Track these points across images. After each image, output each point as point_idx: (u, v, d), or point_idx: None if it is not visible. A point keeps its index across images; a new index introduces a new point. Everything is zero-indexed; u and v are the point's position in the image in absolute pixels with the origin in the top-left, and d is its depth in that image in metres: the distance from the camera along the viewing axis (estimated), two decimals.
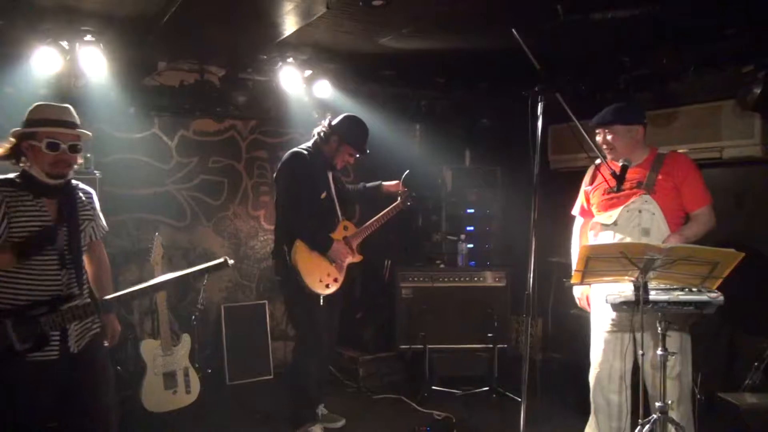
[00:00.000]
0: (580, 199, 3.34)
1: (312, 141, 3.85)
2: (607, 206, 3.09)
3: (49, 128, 2.41)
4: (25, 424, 2.37)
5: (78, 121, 2.53)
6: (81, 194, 2.60)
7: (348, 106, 4.82)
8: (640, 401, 2.71)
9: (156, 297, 4.05)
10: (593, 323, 3.22)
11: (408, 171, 4.14)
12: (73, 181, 2.58)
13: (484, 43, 4.10)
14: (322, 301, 3.70)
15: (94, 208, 2.66)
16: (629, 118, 3.05)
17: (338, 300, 3.90)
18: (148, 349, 3.98)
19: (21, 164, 2.45)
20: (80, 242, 2.53)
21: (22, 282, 2.38)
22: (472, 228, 5.18)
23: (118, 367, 4.33)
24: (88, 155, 3.90)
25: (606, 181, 3.03)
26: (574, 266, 3.20)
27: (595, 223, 3.18)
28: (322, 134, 3.80)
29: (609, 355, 3.12)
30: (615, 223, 3.03)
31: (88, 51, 3.90)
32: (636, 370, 2.92)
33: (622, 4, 3.29)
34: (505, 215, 5.29)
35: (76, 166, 2.53)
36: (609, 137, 3.07)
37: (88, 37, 3.88)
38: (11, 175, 2.45)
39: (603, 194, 3.12)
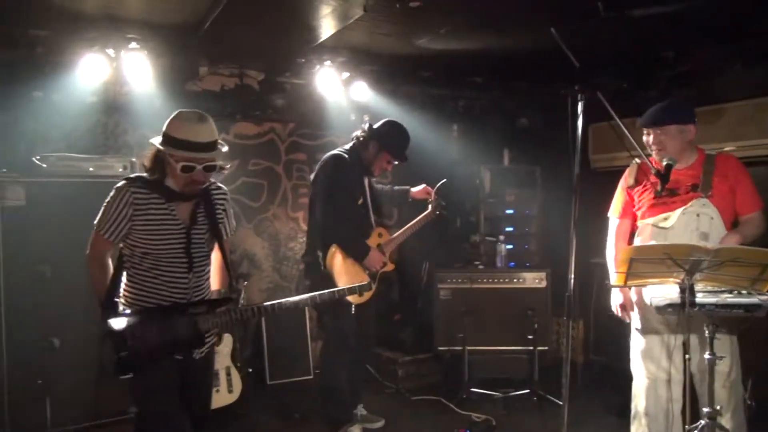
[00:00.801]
0: (619, 200, 3.21)
1: (351, 144, 3.80)
2: (660, 209, 2.96)
3: (185, 153, 2.36)
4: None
5: (216, 134, 2.47)
6: (216, 196, 2.59)
7: (385, 107, 4.84)
8: (687, 408, 2.64)
9: None
10: (637, 326, 3.13)
11: (444, 180, 4.08)
12: (212, 186, 2.59)
13: (522, 42, 4.06)
14: (353, 309, 3.66)
15: (226, 209, 2.65)
16: (683, 117, 2.93)
17: (371, 305, 3.86)
18: None
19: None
20: (207, 247, 2.54)
21: (151, 285, 2.42)
22: (511, 228, 5.13)
23: None
24: (133, 159, 4.00)
25: (650, 181, 2.95)
26: (611, 269, 3.15)
27: (644, 225, 3.04)
28: (361, 139, 3.76)
29: (659, 360, 3.03)
30: (672, 227, 2.91)
31: (133, 58, 4.01)
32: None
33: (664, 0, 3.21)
34: (545, 215, 5.22)
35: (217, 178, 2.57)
36: (661, 138, 2.93)
37: (133, 45, 3.99)
38: (146, 174, 2.45)
39: (653, 197, 2.99)
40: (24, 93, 4.09)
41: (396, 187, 4.20)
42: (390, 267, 3.93)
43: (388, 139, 3.75)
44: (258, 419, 4.20)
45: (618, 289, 3.12)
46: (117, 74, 4.13)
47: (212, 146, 2.42)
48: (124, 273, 2.47)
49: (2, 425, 3.48)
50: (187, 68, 4.51)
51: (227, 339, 4.22)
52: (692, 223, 2.87)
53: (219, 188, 2.64)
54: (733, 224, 2.94)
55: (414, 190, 4.12)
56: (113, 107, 4.49)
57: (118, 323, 2.30)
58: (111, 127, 4.60)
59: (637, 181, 3.11)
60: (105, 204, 2.42)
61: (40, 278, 3.59)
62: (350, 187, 3.70)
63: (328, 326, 3.80)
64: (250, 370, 4.71)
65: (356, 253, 3.67)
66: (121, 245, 2.47)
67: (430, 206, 4.02)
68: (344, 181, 3.66)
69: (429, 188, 4.08)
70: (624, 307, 3.13)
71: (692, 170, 2.96)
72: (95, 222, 2.44)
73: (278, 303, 2.55)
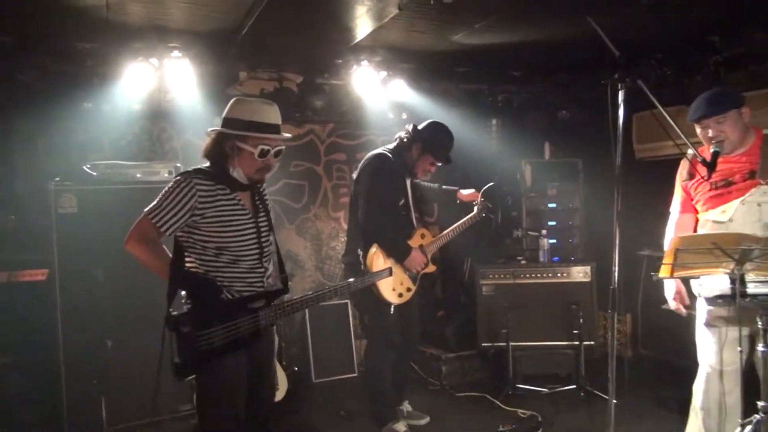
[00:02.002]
0: (676, 195, 3.09)
1: (394, 145, 3.77)
2: (717, 201, 2.83)
3: (265, 134, 2.36)
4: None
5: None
6: (261, 188, 2.59)
7: (423, 105, 4.84)
8: (741, 401, 2.56)
9: None
10: (699, 318, 3.02)
11: (491, 184, 4.04)
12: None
13: (560, 34, 4.00)
14: (392, 309, 3.66)
15: (270, 201, 2.66)
16: (737, 100, 2.80)
17: (414, 304, 3.85)
18: None
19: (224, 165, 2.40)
20: (270, 235, 2.53)
21: (232, 278, 2.38)
22: (554, 223, 5.06)
23: None
24: (179, 164, 4.11)
25: (699, 173, 2.83)
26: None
27: (704, 221, 2.90)
28: (404, 140, 3.72)
29: (714, 353, 2.91)
30: (731, 220, 2.76)
31: (175, 66, 4.13)
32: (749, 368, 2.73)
33: None
34: (589, 208, 5.13)
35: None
36: (722, 127, 2.78)
37: (175, 53, 4.11)
38: (204, 166, 2.41)
39: (709, 189, 2.86)
40: (75, 104, 4.26)
41: (444, 187, 4.17)
42: (431, 268, 3.90)
43: (432, 141, 3.70)
44: (304, 417, 4.27)
45: (672, 280, 3.02)
46: (161, 82, 4.26)
47: (280, 129, 2.44)
48: (194, 263, 2.38)
49: (60, 425, 3.63)
50: (227, 74, 4.61)
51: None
52: (753, 213, 2.71)
53: (264, 195, 2.65)
54: None
55: (463, 192, 4.09)
56: (158, 114, 4.64)
57: (182, 323, 2.24)
58: (156, 133, 4.74)
59: (691, 175, 2.98)
60: (162, 193, 2.32)
61: (93, 282, 3.74)
62: (392, 187, 3.68)
63: (369, 327, 3.82)
64: (296, 368, 4.78)
65: (397, 253, 3.66)
66: (181, 238, 2.36)
67: (476, 208, 3.99)
68: (386, 182, 3.63)
69: (477, 193, 4.04)
70: (676, 299, 3.03)
71: (748, 155, 2.80)
72: (147, 209, 2.33)
73: (321, 293, 2.58)
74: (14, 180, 4.15)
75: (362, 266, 3.60)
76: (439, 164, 3.79)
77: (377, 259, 3.60)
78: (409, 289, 3.75)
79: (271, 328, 2.58)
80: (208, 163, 2.44)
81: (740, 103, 2.80)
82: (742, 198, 2.75)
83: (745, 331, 2.70)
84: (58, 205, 3.70)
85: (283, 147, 2.46)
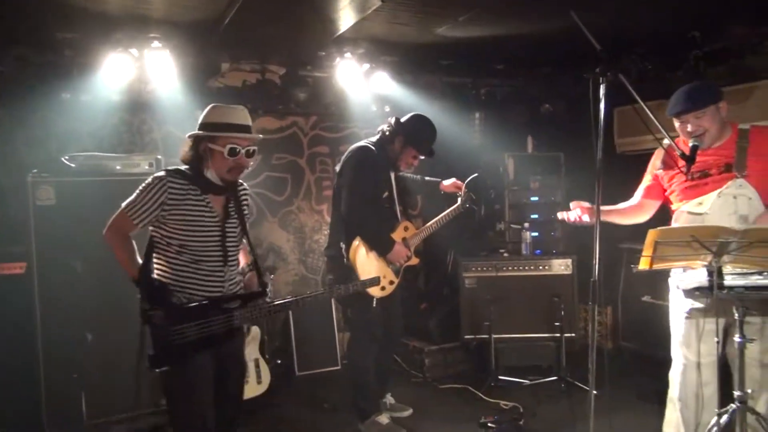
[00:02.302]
0: (645, 180, 3.13)
1: (377, 137, 3.76)
2: (693, 193, 2.87)
3: (232, 134, 2.45)
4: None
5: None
6: (241, 191, 2.66)
7: (406, 98, 4.83)
8: (718, 391, 2.60)
9: None
10: (672, 311, 3.07)
11: (475, 175, 4.04)
12: (241, 184, 2.66)
13: (543, 27, 4.02)
14: (375, 302, 3.66)
15: (248, 205, 2.71)
16: (716, 95, 2.83)
17: (397, 296, 3.86)
18: None
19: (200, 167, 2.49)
20: (238, 240, 2.59)
21: (189, 278, 2.45)
22: (536, 216, 5.09)
23: None
24: (159, 157, 4.07)
25: (677, 165, 2.88)
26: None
27: (680, 212, 2.93)
28: (387, 133, 3.71)
29: (691, 344, 2.97)
30: (707, 212, 2.80)
31: (156, 57, 4.08)
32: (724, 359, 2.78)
33: None
34: (570, 202, 5.15)
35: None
36: (701, 122, 2.81)
37: (156, 44, 4.06)
38: (183, 167, 2.50)
39: (685, 180, 2.90)
40: (53, 95, 4.19)
41: (427, 178, 4.17)
42: (414, 261, 3.90)
43: (414, 134, 3.69)
44: (287, 410, 4.26)
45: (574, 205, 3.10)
46: (141, 73, 4.21)
47: (250, 129, 2.53)
48: (158, 259, 2.48)
49: (40, 419, 3.59)
50: (209, 65, 4.56)
51: (255, 331, 4.29)
52: (729, 206, 2.76)
53: (242, 184, 2.68)
54: None
55: (445, 183, 4.09)
56: (138, 106, 4.58)
57: (156, 317, 2.32)
58: (137, 125, 4.69)
59: (665, 164, 3.02)
60: (139, 189, 2.44)
61: (72, 274, 3.69)
62: (376, 180, 3.67)
63: (352, 320, 3.82)
64: (279, 361, 4.78)
65: (380, 247, 3.66)
66: (152, 232, 2.48)
67: (459, 200, 3.99)
68: (370, 174, 3.62)
69: (459, 182, 4.03)
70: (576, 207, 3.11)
71: (724, 149, 2.85)
72: (124, 203, 2.45)
73: (302, 297, 2.60)
74: None
75: (345, 259, 3.60)
76: (422, 157, 3.78)
77: (360, 252, 3.60)
78: (391, 282, 3.75)
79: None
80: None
81: (719, 97, 2.83)
82: (719, 190, 2.78)
83: (722, 323, 2.75)
84: (36, 197, 3.65)
85: (255, 147, 2.54)
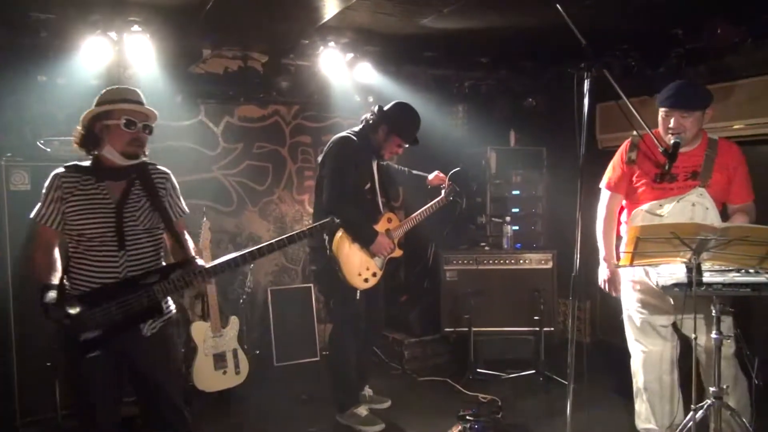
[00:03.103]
0: (614, 173, 3.14)
1: (360, 127, 3.73)
2: (656, 194, 2.93)
3: (127, 105, 2.46)
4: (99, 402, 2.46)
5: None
6: (156, 176, 2.60)
7: (389, 88, 4.79)
8: (693, 387, 2.64)
9: None
10: (626, 306, 3.14)
11: (459, 168, 4.02)
12: (149, 162, 2.59)
13: (528, 21, 4.00)
14: (358, 294, 3.65)
15: (167, 189, 2.63)
16: (707, 101, 2.86)
17: (380, 289, 3.84)
18: (198, 331, 4.08)
19: (94, 152, 2.48)
20: (144, 224, 2.50)
21: (83, 266, 2.43)
22: (517, 210, 5.11)
23: None
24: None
25: (655, 155, 2.90)
26: (600, 243, 3.16)
27: (638, 210, 3.00)
28: (370, 122, 3.68)
29: (655, 338, 3.04)
30: (664, 215, 2.88)
31: (136, 41, 3.98)
32: (687, 354, 2.84)
33: None
34: (552, 196, 5.20)
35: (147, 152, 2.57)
36: (685, 122, 2.84)
37: (135, 28, 3.95)
38: (84, 163, 2.50)
39: (651, 180, 2.95)
40: (28, 77, 4.08)
41: (414, 171, 4.14)
42: (398, 253, 3.87)
43: (399, 122, 3.66)
44: (265, 400, 4.24)
45: (605, 263, 3.12)
46: (120, 57, 4.09)
47: (143, 104, 2.52)
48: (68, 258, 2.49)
49: (12, 407, 3.53)
50: (190, 51, 4.47)
51: (234, 321, 4.25)
52: (686, 212, 2.84)
53: (158, 169, 2.63)
54: (721, 214, 2.91)
55: (430, 177, 4.06)
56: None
57: (73, 307, 2.29)
58: None
59: (638, 156, 3.04)
60: (42, 195, 2.46)
61: None
62: (358, 171, 3.63)
63: (335, 312, 3.79)
64: (257, 352, 4.74)
65: (363, 238, 3.63)
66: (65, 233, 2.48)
67: (443, 192, 3.97)
68: (351, 165, 3.59)
69: (442, 175, 4.02)
70: (611, 281, 3.13)
71: (694, 156, 2.91)
72: (32, 215, 2.47)
73: (226, 261, 2.48)
74: None
75: (328, 251, 3.57)
76: (407, 146, 3.75)
77: (343, 244, 3.57)
78: (375, 274, 3.73)
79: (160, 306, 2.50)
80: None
81: (708, 104, 2.88)
82: (680, 196, 2.86)
83: (666, 319, 2.97)
84: (10, 182, 3.57)
85: (152, 124, 2.53)
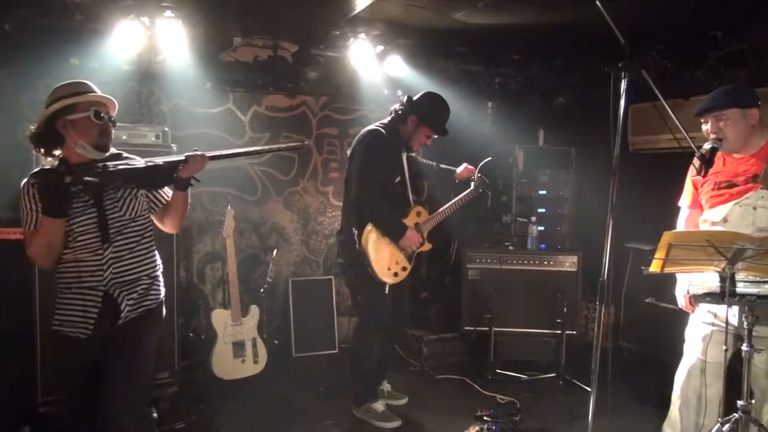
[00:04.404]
0: (687, 190, 3.02)
1: (388, 119, 3.70)
2: (717, 202, 2.79)
3: (92, 96, 2.39)
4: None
5: None
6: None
7: (419, 82, 4.74)
8: (722, 399, 2.56)
9: (228, 269, 4.17)
10: (696, 316, 3.00)
11: (489, 159, 3.96)
12: (117, 152, 2.51)
13: (562, 17, 3.92)
14: (387, 289, 3.62)
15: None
16: (745, 99, 2.70)
17: (406, 284, 3.82)
18: (219, 318, 4.10)
19: (54, 152, 2.39)
20: (130, 213, 2.47)
21: (71, 265, 2.39)
22: (543, 210, 5.03)
23: (191, 334, 4.51)
24: (166, 129, 4.01)
25: (698, 167, 2.78)
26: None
27: (703, 220, 2.86)
28: (399, 113, 3.64)
29: (703, 348, 2.89)
30: (725, 220, 2.73)
31: (168, 26, 3.99)
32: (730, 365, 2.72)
33: None
34: (579, 197, 5.10)
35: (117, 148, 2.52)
36: (721, 124, 2.71)
37: (168, 13, 3.96)
38: (49, 166, 2.39)
39: (713, 188, 2.81)
40: (61, 61, 4.10)
41: (442, 165, 4.10)
42: (427, 247, 3.84)
43: (428, 112, 3.62)
44: (282, 390, 4.24)
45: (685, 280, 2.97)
46: (152, 43, 4.12)
47: (109, 99, 2.47)
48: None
49: (35, 386, 3.55)
50: (221, 38, 4.47)
51: (254, 310, 4.27)
52: (748, 216, 2.67)
53: (131, 157, 2.54)
54: None
55: (458, 170, 4.02)
56: (148, 76, 4.50)
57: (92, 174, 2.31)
58: (145, 95, 4.63)
59: (696, 170, 2.92)
60: (21, 208, 2.40)
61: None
62: (387, 164, 3.61)
63: (362, 305, 3.77)
64: (276, 342, 4.75)
65: (392, 233, 3.59)
66: None
67: (472, 184, 3.92)
68: (381, 158, 3.56)
69: (471, 167, 3.97)
70: (689, 300, 2.97)
71: (755, 158, 2.73)
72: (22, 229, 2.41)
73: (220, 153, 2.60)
74: None
75: (357, 245, 3.54)
76: (435, 136, 3.71)
77: (372, 238, 3.55)
78: (404, 268, 3.70)
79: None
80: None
81: (747, 102, 2.71)
82: (738, 200, 2.70)
83: (732, 329, 2.70)
84: (40, 163, 3.58)
85: (113, 115, 2.47)
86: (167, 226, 2.66)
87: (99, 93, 2.46)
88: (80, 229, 2.38)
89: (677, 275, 2.91)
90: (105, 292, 2.41)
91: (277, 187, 5.22)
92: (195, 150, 2.55)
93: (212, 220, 4.87)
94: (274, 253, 4.87)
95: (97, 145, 2.40)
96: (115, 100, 2.49)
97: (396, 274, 3.64)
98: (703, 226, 2.83)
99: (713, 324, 2.84)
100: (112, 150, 2.50)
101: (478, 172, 3.92)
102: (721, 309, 2.72)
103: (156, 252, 2.63)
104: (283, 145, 2.52)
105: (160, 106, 4.67)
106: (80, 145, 2.37)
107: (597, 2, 2.36)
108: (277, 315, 5.05)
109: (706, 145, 2.74)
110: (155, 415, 3.32)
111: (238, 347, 4.13)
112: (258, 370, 4.19)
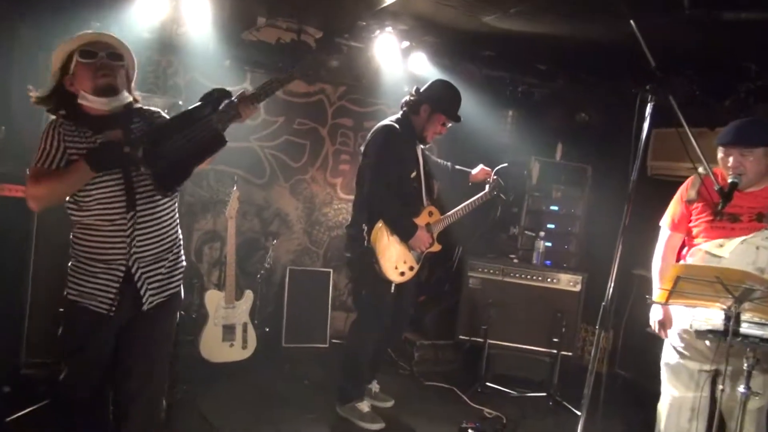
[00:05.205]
0: (675, 210, 3.03)
1: (401, 113, 3.71)
2: (716, 233, 2.80)
3: (79, 40, 2.18)
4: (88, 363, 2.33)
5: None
6: (151, 114, 2.38)
7: None
8: None
9: (227, 250, 4.18)
10: (668, 348, 3.02)
11: (505, 165, 3.97)
12: (138, 106, 2.35)
13: (594, 31, 3.89)
14: (393, 288, 3.63)
15: None
16: None
17: (411, 285, 3.83)
18: (212, 299, 4.11)
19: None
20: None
21: (90, 234, 2.22)
22: (553, 226, 5.01)
23: (182, 312, 4.52)
24: (180, 102, 4.01)
25: (711, 198, 2.78)
26: (655, 283, 3.03)
27: (697, 249, 2.87)
28: (411, 103, 3.66)
29: (688, 383, 2.92)
30: (726, 256, 2.73)
31: None
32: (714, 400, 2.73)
33: (757, 4, 3.01)
34: (591, 217, 5.08)
35: (137, 95, 2.34)
36: (744, 160, 2.72)
37: None
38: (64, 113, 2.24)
39: (711, 217, 2.82)
40: (82, 21, 4.10)
41: (457, 167, 4.10)
42: (437, 248, 3.84)
43: (440, 99, 3.62)
44: (267, 379, 4.25)
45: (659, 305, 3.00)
46: (175, 14, 4.13)
47: (108, 36, 2.25)
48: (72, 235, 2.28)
49: (19, 346, 3.56)
50: (245, 16, 4.47)
51: (248, 295, 4.28)
52: (750, 255, 2.68)
53: (151, 110, 2.40)
54: None
55: (473, 172, 4.01)
56: (168, 47, 4.51)
57: (137, 149, 2.12)
58: (163, 66, 4.64)
59: (699, 195, 2.93)
60: (40, 142, 2.21)
61: None
62: (402, 160, 3.62)
63: (365, 302, 3.77)
64: (267, 329, 4.76)
65: (402, 231, 3.60)
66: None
67: (487, 187, 3.92)
68: (395, 154, 3.57)
69: (488, 169, 3.98)
70: (663, 324, 3.01)
71: (761, 196, 2.76)
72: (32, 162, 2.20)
73: (266, 84, 2.30)
74: (11, 90, 4.04)
75: (365, 241, 3.55)
76: (450, 124, 3.69)
77: (381, 236, 3.56)
78: (412, 268, 3.70)
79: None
80: None
81: None
82: (744, 237, 2.70)
83: (710, 366, 2.76)
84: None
85: (120, 52, 2.24)
86: None
87: (100, 34, 2.24)
88: (103, 192, 2.17)
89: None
90: (127, 269, 2.23)
91: (286, 172, 5.23)
92: (242, 92, 2.30)
93: (216, 199, 4.88)
94: (275, 240, 4.88)
95: (95, 88, 2.16)
96: (116, 37, 2.26)
97: (403, 274, 3.65)
98: (697, 255, 2.81)
99: (682, 354, 2.88)
100: (127, 97, 2.26)
101: (494, 175, 3.94)
102: (697, 341, 2.77)
103: (179, 226, 2.46)
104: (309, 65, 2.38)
105: (176, 78, 4.67)
106: (82, 97, 2.17)
107: (631, 22, 2.35)
108: (271, 302, 5.06)
109: (701, 170, 2.80)
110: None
111: (228, 331, 4.14)
112: (246, 355, 4.20)
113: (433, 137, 3.75)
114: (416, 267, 3.73)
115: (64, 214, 2.33)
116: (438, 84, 3.68)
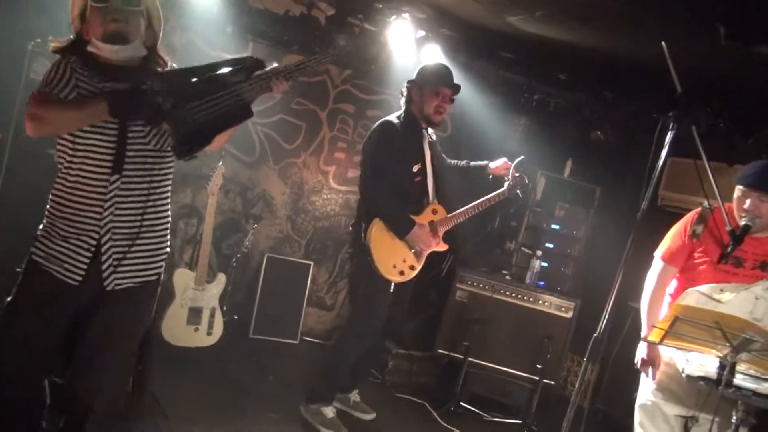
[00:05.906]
0: (674, 243, 3.04)
1: (402, 109, 3.79)
2: (718, 277, 2.82)
3: None
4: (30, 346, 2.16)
5: None
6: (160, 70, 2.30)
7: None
8: None
9: (203, 228, 4.17)
10: (644, 389, 3.06)
11: (522, 158, 3.94)
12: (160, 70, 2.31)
13: (621, 48, 3.92)
14: (392, 288, 3.66)
15: None
16: None
17: (410, 288, 3.87)
18: (181, 278, 4.10)
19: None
20: (156, 142, 2.20)
21: (66, 192, 2.14)
22: (551, 245, 5.04)
23: None
24: (174, 65, 3.98)
25: (722, 234, 2.81)
26: (643, 317, 3.06)
27: (692, 290, 2.85)
28: (405, 95, 3.75)
29: (661, 427, 2.95)
30: (724, 303, 2.72)
31: None
32: None
33: None
34: (593, 241, 5.11)
35: (166, 57, 2.32)
36: (762, 207, 2.74)
37: None
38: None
39: (714, 260, 2.85)
40: None
41: (473, 163, 4.11)
42: (442, 247, 3.86)
43: (424, 74, 3.71)
44: (232, 370, 4.25)
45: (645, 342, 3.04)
46: None
47: None
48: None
49: None
50: None
51: (220, 278, 4.27)
52: (748, 304, 2.68)
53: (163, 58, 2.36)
54: None
55: (493, 165, 3.99)
56: (169, 2, 4.48)
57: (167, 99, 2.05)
58: None
59: (705, 232, 2.95)
60: (46, 72, 2.14)
61: (47, 161, 3.59)
62: (400, 153, 3.66)
63: (360, 301, 3.80)
64: (236, 317, 4.76)
65: (398, 228, 3.63)
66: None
67: (506, 184, 3.91)
68: (392, 148, 3.62)
69: (510, 163, 3.94)
70: (646, 363, 3.04)
71: (766, 244, 2.81)
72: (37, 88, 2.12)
73: (299, 62, 2.30)
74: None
75: (362, 239, 3.59)
76: (448, 93, 3.70)
77: (377, 233, 3.59)
78: (412, 267, 3.72)
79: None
80: None
81: None
82: (746, 285, 2.72)
83: (681, 410, 2.81)
84: (31, 69, 3.60)
85: None
86: None
87: None
88: (88, 147, 2.09)
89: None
90: (98, 242, 2.14)
91: (277, 153, 5.21)
92: (275, 66, 2.25)
93: (199, 172, 4.84)
94: (256, 224, 4.87)
95: (105, 34, 2.10)
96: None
97: (402, 273, 3.67)
98: (691, 296, 2.82)
99: (657, 395, 2.92)
100: (141, 50, 2.22)
101: (514, 170, 3.90)
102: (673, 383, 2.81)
103: (169, 204, 2.36)
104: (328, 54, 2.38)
105: (171, 38, 4.63)
106: (93, 44, 2.13)
107: (663, 43, 2.37)
108: (244, 289, 5.05)
109: (706, 204, 2.87)
110: None
111: (194, 314, 4.12)
112: (210, 342, 4.19)
113: (438, 114, 3.73)
114: (418, 267, 3.75)
115: (37, 169, 2.28)
116: (421, 66, 3.78)
